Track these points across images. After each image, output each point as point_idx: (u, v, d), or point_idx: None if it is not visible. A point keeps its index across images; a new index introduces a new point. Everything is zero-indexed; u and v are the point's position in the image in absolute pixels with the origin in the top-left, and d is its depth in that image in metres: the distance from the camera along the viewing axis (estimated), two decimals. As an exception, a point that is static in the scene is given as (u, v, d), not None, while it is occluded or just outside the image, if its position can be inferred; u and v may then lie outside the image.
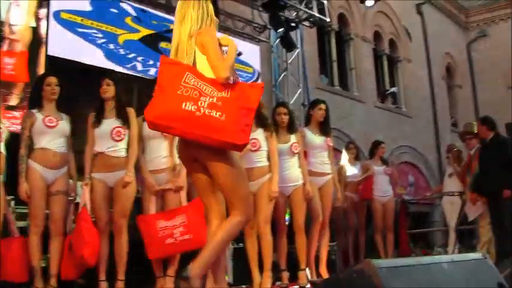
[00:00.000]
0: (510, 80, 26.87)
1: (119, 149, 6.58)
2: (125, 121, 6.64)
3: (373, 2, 14.56)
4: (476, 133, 10.36)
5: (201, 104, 3.91)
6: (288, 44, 14.77)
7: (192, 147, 4.08)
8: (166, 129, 4.09)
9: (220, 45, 4.31)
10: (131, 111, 6.77)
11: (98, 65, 10.53)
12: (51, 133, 6.48)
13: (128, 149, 6.63)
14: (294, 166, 7.53)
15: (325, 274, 7.91)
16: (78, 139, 6.81)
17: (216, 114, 3.89)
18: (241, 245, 8.20)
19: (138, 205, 6.88)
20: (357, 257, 10.74)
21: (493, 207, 9.38)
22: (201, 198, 4.38)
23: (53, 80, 6.63)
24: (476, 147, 10.42)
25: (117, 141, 6.56)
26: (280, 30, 14.37)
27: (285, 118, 7.68)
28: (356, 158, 11.07)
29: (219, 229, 4.16)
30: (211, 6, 4.51)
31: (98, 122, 6.62)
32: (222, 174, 4.11)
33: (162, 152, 6.69)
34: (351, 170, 10.71)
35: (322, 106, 8.13)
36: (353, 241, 10.81)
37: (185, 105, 3.90)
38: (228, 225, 4.14)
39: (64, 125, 6.61)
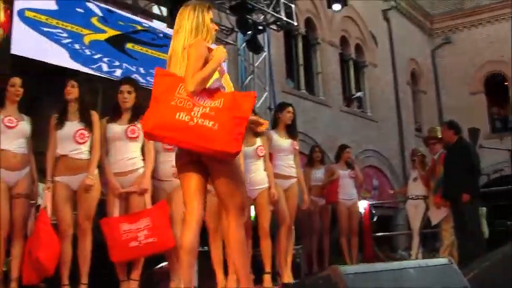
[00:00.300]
0: (473, 86, 27.24)
1: (82, 152, 6.51)
2: (88, 123, 6.58)
3: (340, 7, 14.58)
4: (440, 138, 10.45)
5: (194, 114, 4.06)
6: (255, 47, 14.76)
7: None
8: (162, 139, 4.37)
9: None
10: (94, 114, 6.71)
11: (63, 65, 10.40)
12: (11, 134, 6.39)
13: (90, 152, 6.57)
14: (260, 169, 7.52)
15: (289, 278, 7.90)
16: (41, 141, 6.73)
17: (208, 123, 4.03)
18: (206, 248, 8.18)
19: (102, 208, 6.81)
20: (321, 261, 10.77)
21: (455, 211, 9.47)
22: (185, 199, 4.51)
23: (17, 81, 6.55)
24: (439, 152, 10.51)
25: (80, 143, 6.49)
26: (248, 33, 14.33)
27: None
28: (321, 161, 11.10)
29: (232, 245, 4.44)
30: (208, 16, 4.53)
31: (61, 124, 6.54)
32: (222, 183, 4.35)
33: (127, 154, 6.61)
34: (316, 174, 10.75)
35: (291, 109, 8.17)
36: (317, 244, 10.83)
37: (179, 115, 4.05)
38: (232, 235, 4.42)
39: (24, 125, 6.53)
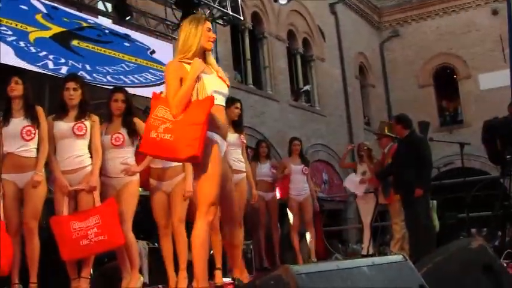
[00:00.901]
0: (422, 79, 27.50)
1: (30, 149, 6.40)
2: (34, 120, 6.46)
3: (286, 1, 14.57)
4: (386, 133, 10.54)
5: (159, 130, 4.64)
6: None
7: None
8: (150, 155, 5.45)
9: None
10: (40, 110, 6.59)
11: (9, 63, 10.23)
12: None
13: (38, 149, 6.45)
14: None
15: (242, 272, 7.84)
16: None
17: (168, 136, 4.60)
18: (156, 244, 8.11)
19: (50, 206, 6.70)
20: (272, 256, 10.74)
21: (407, 205, 9.48)
22: None
23: None
24: (389, 146, 10.55)
25: (27, 140, 6.38)
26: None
27: None
28: (267, 156, 11.01)
29: (192, 242, 4.70)
30: (200, 29, 4.93)
31: (6, 121, 6.41)
32: (195, 182, 4.86)
33: (74, 152, 6.51)
34: (261, 169, 10.66)
35: (238, 105, 8.17)
36: (266, 239, 10.77)
37: (151, 133, 4.66)
38: (194, 232, 4.68)
39: None
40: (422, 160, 9.29)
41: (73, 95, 6.54)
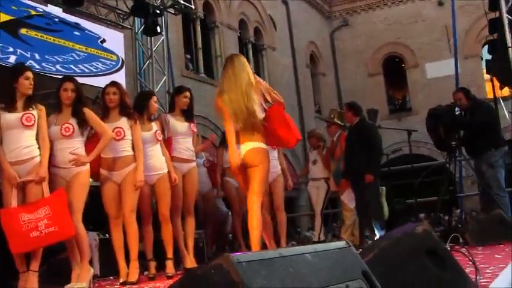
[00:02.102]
0: (371, 68, 27.80)
1: None
2: None
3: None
4: (336, 121, 10.63)
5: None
6: (151, 31, 14.64)
7: None
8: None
9: None
10: (42, 110, 6.52)
11: (-46, 52, 10.10)
12: None
13: None
14: (158, 154, 7.47)
15: (193, 263, 7.87)
16: None
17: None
18: (107, 235, 8.07)
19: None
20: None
21: (357, 191, 9.60)
22: None
23: None
24: (338, 133, 10.64)
25: None
26: (145, 17, 14.19)
27: (156, 107, 7.73)
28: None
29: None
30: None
31: None
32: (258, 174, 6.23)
33: (22, 143, 6.41)
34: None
35: (187, 94, 8.09)
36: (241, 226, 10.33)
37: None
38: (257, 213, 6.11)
39: None
40: (372, 147, 9.41)
41: (32, 84, 6.48)
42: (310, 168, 11.23)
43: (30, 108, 6.39)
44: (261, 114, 6.34)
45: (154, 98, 7.84)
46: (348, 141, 9.88)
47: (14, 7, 11.73)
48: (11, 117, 6.35)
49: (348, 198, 10.39)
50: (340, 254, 2.91)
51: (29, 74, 6.52)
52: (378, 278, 2.95)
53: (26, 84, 6.45)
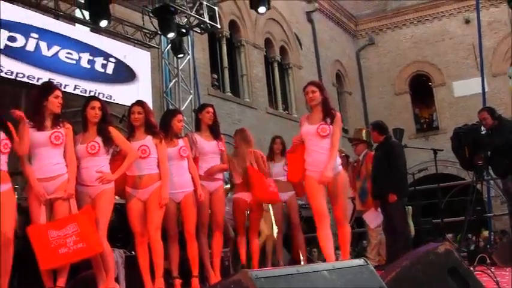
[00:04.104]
0: (397, 86, 27.70)
1: (1, 163, 6.26)
2: (8, 133, 6.32)
3: (264, 9, 14.55)
4: (363, 139, 10.58)
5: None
6: (178, 50, 14.73)
7: None
8: None
9: None
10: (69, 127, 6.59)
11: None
12: None
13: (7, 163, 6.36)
14: (184, 171, 7.48)
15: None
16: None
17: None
18: (133, 253, 8.08)
19: (26, 215, 6.66)
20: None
21: (383, 211, 9.55)
22: None
23: None
24: (364, 152, 10.59)
25: (3, 153, 6.29)
26: (171, 36, 14.27)
27: (182, 126, 7.73)
28: (281, 153, 10.26)
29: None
30: None
31: None
32: None
33: (50, 160, 6.47)
34: (275, 167, 10.06)
35: (210, 109, 8.10)
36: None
37: None
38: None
39: None
40: (396, 166, 9.35)
41: (61, 103, 6.54)
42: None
43: (58, 127, 6.45)
44: None
45: (179, 117, 7.79)
46: (374, 160, 9.84)
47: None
48: (40, 135, 6.40)
49: (369, 218, 10.34)
50: (358, 272, 2.90)
51: (58, 92, 6.59)
52: (400, 295, 2.94)
53: (55, 102, 6.51)
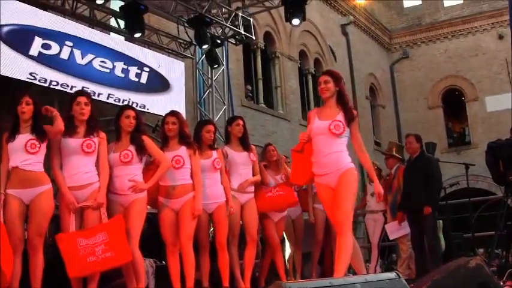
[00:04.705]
0: (431, 100, 27.57)
1: (33, 162, 6.26)
2: (40, 134, 6.38)
3: (298, 21, 14.54)
4: (395, 154, 10.57)
5: None
6: (213, 61, 14.80)
7: None
8: None
9: None
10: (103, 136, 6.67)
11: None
12: None
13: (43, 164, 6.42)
14: (217, 182, 7.50)
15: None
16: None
17: None
18: (164, 262, 8.10)
19: (56, 223, 6.70)
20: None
21: (414, 224, 9.51)
22: None
23: None
24: (396, 166, 10.57)
25: (31, 153, 6.24)
26: (206, 46, 14.35)
27: (211, 136, 7.69)
28: None
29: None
30: None
31: (12, 137, 6.33)
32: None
33: (82, 168, 6.49)
34: None
35: (239, 122, 8.08)
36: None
37: None
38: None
39: None
40: (433, 180, 9.33)
41: (84, 109, 6.56)
42: (368, 201, 11.19)
43: (92, 136, 6.51)
44: None
45: (207, 127, 7.76)
46: (407, 173, 9.80)
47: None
48: (72, 143, 6.44)
49: (390, 229, 10.31)
50: (390, 285, 2.90)
51: (80, 98, 6.59)
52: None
53: (77, 109, 6.54)
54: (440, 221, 10.21)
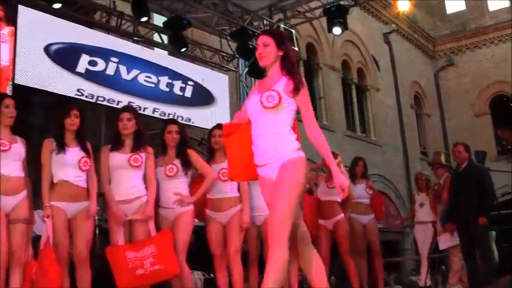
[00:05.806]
0: (478, 108, 27.18)
1: (84, 179, 6.40)
2: (87, 152, 6.45)
3: (340, 31, 14.46)
4: (444, 163, 10.40)
5: None
6: (256, 73, 14.76)
7: None
8: None
9: None
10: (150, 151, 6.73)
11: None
12: (5, 157, 6.10)
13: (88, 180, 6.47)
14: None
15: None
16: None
17: None
18: (212, 275, 8.07)
19: (105, 235, 6.73)
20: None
21: (464, 235, 9.31)
22: None
23: (11, 102, 6.26)
24: (445, 176, 10.39)
25: (83, 171, 6.39)
26: (249, 59, 14.34)
27: None
28: (363, 175, 9.92)
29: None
30: None
31: (62, 149, 6.37)
32: None
33: (130, 182, 6.54)
34: (356, 189, 9.86)
35: None
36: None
37: None
38: None
39: (18, 148, 6.25)
40: (485, 190, 9.13)
41: (127, 124, 6.59)
42: (416, 211, 11.01)
43: (138, 150, 6.52)
44: None
45: None
46: (455, 183, 9.61)
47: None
48: (119, 157, 6.52)
49: (442, 240, 10.16)
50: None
51: (123, 115, 6.67)
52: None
53: (120, 125, 6.62)
54: (493, 232, 10.02)
